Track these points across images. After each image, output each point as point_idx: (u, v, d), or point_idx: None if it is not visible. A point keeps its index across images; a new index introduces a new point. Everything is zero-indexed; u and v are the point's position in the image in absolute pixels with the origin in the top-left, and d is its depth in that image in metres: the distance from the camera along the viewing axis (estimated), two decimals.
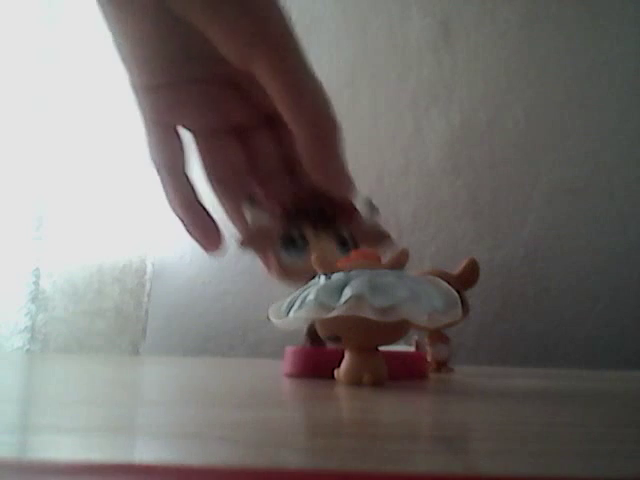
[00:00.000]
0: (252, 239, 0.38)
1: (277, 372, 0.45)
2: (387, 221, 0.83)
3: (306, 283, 0.34)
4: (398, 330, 0.33)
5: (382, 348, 0.34)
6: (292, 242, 0.38)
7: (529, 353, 0.79)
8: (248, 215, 0.38)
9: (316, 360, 0.40)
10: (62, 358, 0.64)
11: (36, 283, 0.76)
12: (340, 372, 0.34)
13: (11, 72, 0.77)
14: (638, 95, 0.85)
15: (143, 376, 0.45)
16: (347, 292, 0.30)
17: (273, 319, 0.34)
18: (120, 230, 0.79)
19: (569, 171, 0.84)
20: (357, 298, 0.30)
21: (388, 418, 0.22)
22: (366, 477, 0.12)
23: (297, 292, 0.34)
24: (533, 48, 0.87)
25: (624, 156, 0.84)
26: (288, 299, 0.34)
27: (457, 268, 0.56)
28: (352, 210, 0.40)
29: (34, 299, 0.75)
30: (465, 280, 0.55)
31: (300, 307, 0.32)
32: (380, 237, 0.39)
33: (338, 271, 0.33)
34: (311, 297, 0.31)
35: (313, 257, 0.33)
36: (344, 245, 0.39)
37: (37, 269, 0.76)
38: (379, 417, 0.22)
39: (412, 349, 0.53)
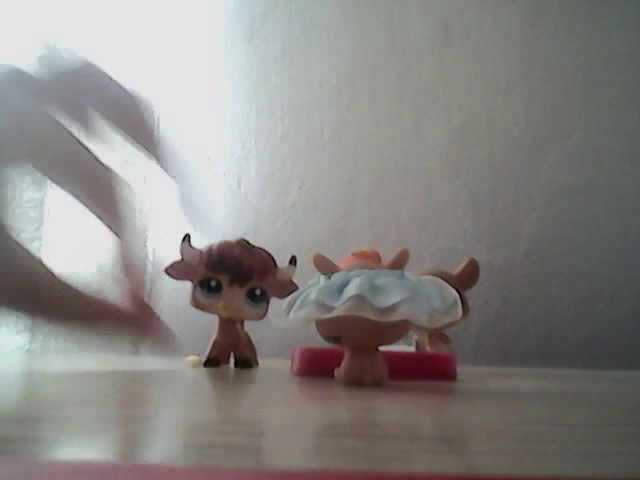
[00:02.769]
0: (176, 269, 0.47)
1: (276, 372, 0.45)
2: (387, 221, 0.83)
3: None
4: (398, 330, 0.33)
5: (385, 348, 0.34)
6: (208, 285, 0.47)
7: (529, 353, 0.79)
8: (180, 249, 0.47)
9: (327, 360, 0.40)
10: (62, 358, 0.64)
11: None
12: (340, 372, 0.34)
13: None
14: (638, 95, 0.85)
15: (143, 376, 0.45)
16: (347, 292, 0.30)
17: (273, 319, 0.34)
18: None
19: (569, 171, 0.84)
20: (357, 298, 0.30)
21: (388, 418, 0.22)
22: (366, 477, 0.12)
23: (297, 292, 0.34)
24: (533, 48, 0.87)
25: (624, 156, 0.84)
26: (288, 299, 0.34)
27: (457, 268, 0.56)
28: (269, 268, 0.48)
29: None
30: (465, 280, 0.55)
31: (300, 307, 0.32)
32: (289, 289, 0.46)
33: (338, 271, 0.33)
34: (311, 297, 0.31)
35: (312, 257, 0.34)
36: (253, 297, 0.47)
37: None
38: (379, 417, 0.22)
39: (412, 349, 0.53)
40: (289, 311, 0.33)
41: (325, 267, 0.33)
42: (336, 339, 0.33)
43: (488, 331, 0.80)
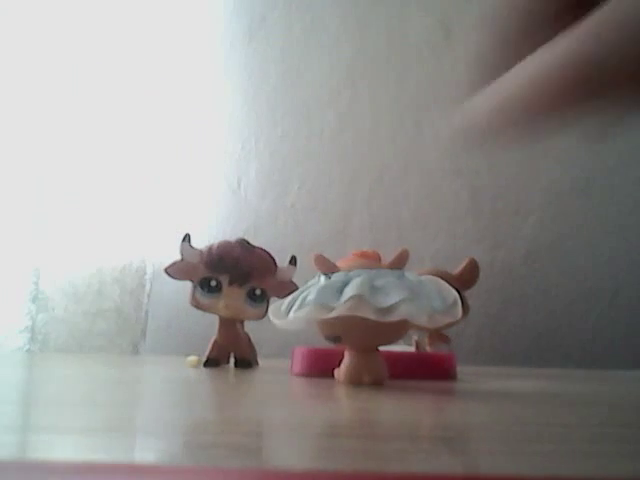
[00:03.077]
0: (176, 269, 0.48)
1: (277, 372, 0.45)
2: (387, 221, 0.83)
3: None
4: (398, 330, 0.33)
5: (385, 348, 0.34)
6: (208, 285, 0.47)
7: (529, 353, 0.79)
8: (180, 249, 0.48)
9: (327, 360, 0.40)
10: (62, 358, 0.64)
11: (36, 283, 0.75)
12: (340, 372, 0.34)
13: (16, 73, 0.77)
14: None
15: (143, 376, 0.45)
16: (347, 292, 0.30)
17: (273, 319, 0.34)
18: (120, 230, 0.79)
19: (569, 171, 0.84)
20: (357, 298, 0.30)
21: (388, 418, 0.22)
22: (366, 477, 0.12)
23: (297, 292, 0.34)
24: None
25: (624, 156, 0.84)
26: (288, 299, 0.34)
27: (457, 268, 0.56)
28: (269, 268, 0.48)
29: (34, 299, 0.75)
30: (465, 280, 0.55)
31: (300, 307, 0.32)
32: (289, 289, 0.46)
33: (338, 271, 0.33)
34: (311, 297, 0.31)
35: (313, 257, 0.34)
36: (253, 297, 0.48)
37: (37, 269, 0.76)
38: (379, 417, 0.22)
39: (412, 349, 0.53)
40: (289, 311, 0.33)
41: (325, 267, 0.33)
42: (336, 339, 0.33)
43: (488, 331, 0.80)
